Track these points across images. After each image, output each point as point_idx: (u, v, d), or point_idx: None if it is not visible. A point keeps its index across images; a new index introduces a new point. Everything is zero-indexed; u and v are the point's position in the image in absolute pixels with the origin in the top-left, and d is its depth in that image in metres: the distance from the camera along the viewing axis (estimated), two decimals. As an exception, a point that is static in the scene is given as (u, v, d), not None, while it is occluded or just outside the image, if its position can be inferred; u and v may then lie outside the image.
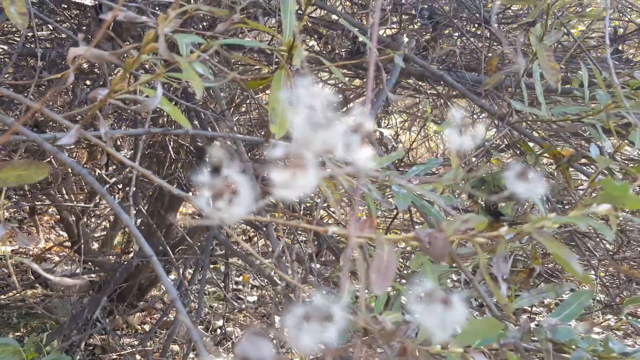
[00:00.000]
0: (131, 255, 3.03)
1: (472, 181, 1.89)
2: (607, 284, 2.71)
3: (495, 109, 2.01)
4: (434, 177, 2.05)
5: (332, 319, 0.70)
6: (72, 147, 2.74)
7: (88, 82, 2.53)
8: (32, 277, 3.25)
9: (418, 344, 1.34)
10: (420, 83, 2.77)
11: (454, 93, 2.62)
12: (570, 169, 1.89)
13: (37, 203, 3.08)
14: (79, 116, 2.29)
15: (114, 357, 2.96)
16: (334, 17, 2.32)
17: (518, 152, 2.22)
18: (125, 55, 1.19)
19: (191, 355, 2.82)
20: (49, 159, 2.40)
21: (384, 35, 2.17)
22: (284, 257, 1.76)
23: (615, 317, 3.34)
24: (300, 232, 2.76)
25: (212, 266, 3.31)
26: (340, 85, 2.65)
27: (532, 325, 1.55)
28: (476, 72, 2.30)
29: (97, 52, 1.20)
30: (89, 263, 3.26)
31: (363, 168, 0.77)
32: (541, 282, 2.55)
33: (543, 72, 1.69)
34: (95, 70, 2.54)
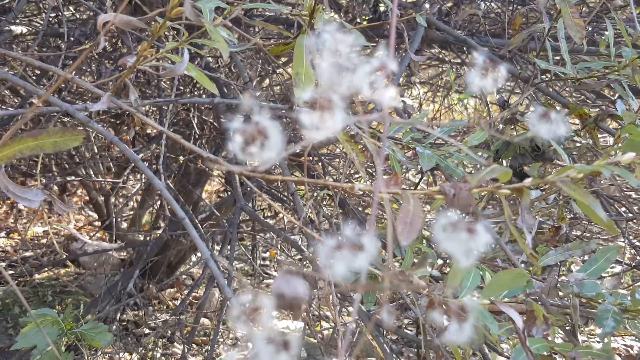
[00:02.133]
0: (161, 231, 3.08)
1: (497, 144, 1.89)
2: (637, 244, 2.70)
3: (519, 70, 2.00)
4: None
5: (363, 248, 0.73)
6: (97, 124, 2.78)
7: (112, 62, 2.57)
8: (64, 254, 3.32)
9: (444, 296, 1.36)
10: (443, 52, 2.77)
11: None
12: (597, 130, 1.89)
13: (67, 180, 3.14)
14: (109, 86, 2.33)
15: (147, 331, 3.02)
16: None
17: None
18: (152, 22, 1.21)
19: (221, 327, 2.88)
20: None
21: (406, 0, 2.17)
22: (312, 224, 1.79)
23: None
24: (325, 204, 2.78)
25: (238, 242, 3.35)
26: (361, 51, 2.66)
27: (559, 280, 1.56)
28: (500, 37, 2.29)
29: (125, 18, 1.23)
30: (119, 241, 3.32)
31: (387, 114, 0.79)
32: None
33: (568, 29, 1.68)
34: (118, 49, 2.57)
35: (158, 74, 1.29)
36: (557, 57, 1.89)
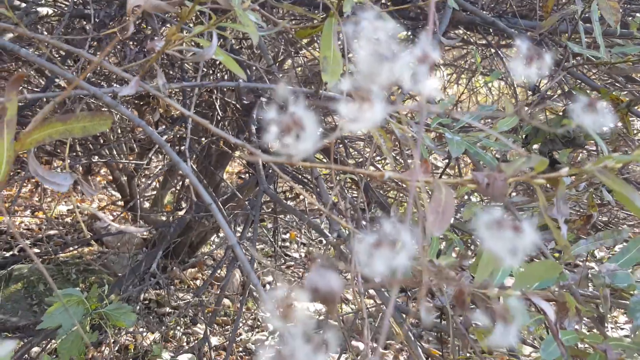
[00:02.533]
0: (183, 212, 3.09)
1: (527, 129, 1.86)
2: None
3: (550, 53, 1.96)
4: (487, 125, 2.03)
5: (402, 245, 0.71)
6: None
7: (136, 44, 2.56)
8: (88, 234, 3.34)
9: (476, 287, 1.34)
10: (468, 33, 2.72)
11: (504, 42, 2.57)
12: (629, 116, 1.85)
13: (92, 161, 3.15)
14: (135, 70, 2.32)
15: (169, 310, 3.04)
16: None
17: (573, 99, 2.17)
18: (180, 5, 1.19)
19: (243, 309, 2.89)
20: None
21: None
22: (335, 208, 1.77)
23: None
24: (347, 188, 2.77)
25: (260, 224, 3.35)
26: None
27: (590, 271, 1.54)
28: (527, 18, 2.24)
29: (154, 2, 1.21)
30: (142, 221, 3.33)
31: (427, 104, 0.77)
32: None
33: (602, 12, 1.64)
34: (142, 30, 2.56)
35: (184, 58, 1.28)
36: (589, 40, 1.85)
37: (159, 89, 1.40)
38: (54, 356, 2.06)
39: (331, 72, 1.42)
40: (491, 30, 2.43)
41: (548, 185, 1.31)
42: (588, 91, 1.97)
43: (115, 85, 1.43)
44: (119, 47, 2.58)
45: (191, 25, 2.18)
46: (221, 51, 1.31)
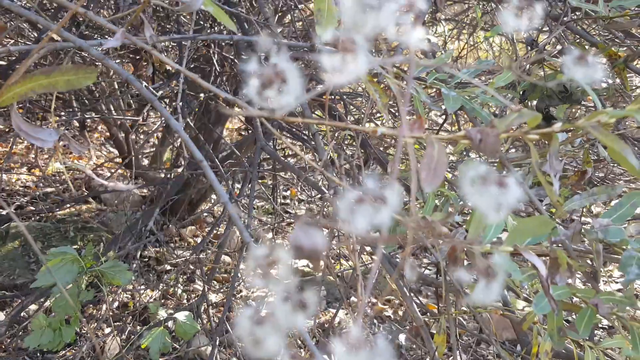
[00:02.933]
0: (181, 169, 3.08)
1: (524, 85, 1.84)
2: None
3: (549, 9, 1.92)
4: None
5: (385, 202, 0.70)
6: (116, 60, 2.74)
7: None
8: (86, 191, 3.34)
9: (467, 244, 1.34)
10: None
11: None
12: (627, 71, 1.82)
13: (87, 117, 3.13)
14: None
15: (168, 267, 3.06)
16: None
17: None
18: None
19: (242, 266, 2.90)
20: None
21: None
22: (332, 165, 1.76)
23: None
24: (347, 144, 2.75)
25: (259, 181, 3.34)
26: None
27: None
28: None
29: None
30: (140, 178, 3.32)
31: (421, 57, 0.74)
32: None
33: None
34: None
35: (175, 9, 1.25)
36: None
37: (147, 42, 1.37)
38: (51, 314, 2.07)
39: (324, 25, 1.39)
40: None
41: (544, 140, 1.30)
42: (587, 46, 1.93)
43: (105, 38, 1.41)
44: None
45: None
46: (211, 2, 1.28)
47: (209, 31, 2.35)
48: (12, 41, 2.71)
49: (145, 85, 2.30)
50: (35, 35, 2.87)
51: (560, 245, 1.30)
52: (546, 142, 1.32)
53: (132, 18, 1.20)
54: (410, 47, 0.73)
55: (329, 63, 0.73)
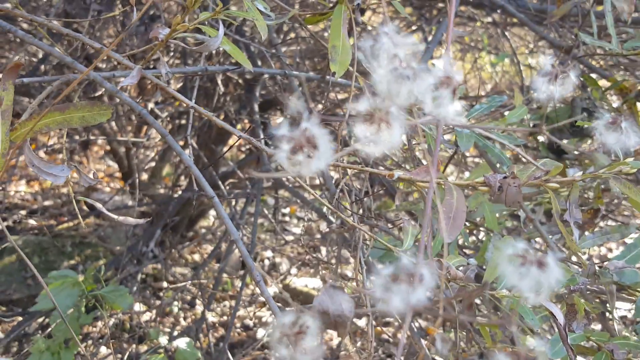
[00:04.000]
0: (182, 188, 3.05)
1: (534, 117, 1.83)
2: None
3: (559, 39, 1.92)
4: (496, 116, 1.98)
5: (421, 279, 0.68)
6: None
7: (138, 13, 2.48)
8: (86, 208, 3.31)
9: (483, 288, 1.32)
10: (473, 11, 2.67)
11: (511, 21, 2.51)
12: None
13: (91, 138, 3.10)
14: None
15: (166, 285, 3.03)
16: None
17: (581, 86, 2.14)
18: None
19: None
20: (100, 92, 2.40)
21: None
22: (339, 195, 1.74)
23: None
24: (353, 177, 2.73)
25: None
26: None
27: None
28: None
29: (158, -9, 1.16)
30: (142, 195, 3.29)
31: (450, 121, 0.73)
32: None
33: (614, 2, 1.60)
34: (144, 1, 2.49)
35: (194, 49, 1.23)
36: (599, 25, 1.80)
37: (160, 77, 1.36)
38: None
39: (340, 63, 1.37)
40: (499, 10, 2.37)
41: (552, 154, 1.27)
42: (596, 78, 1.93)
43: (117, 71, 1.39)
44: (120, 17, 2.51)
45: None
46: (228, 41, 1.26)
47: (217, 61, 2.32)
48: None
49: (150, 108, 2.28)
50: (33, 59, 2.84)
51: (578, 292, 1.29)
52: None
53: (148, 56, 1.18)
54: (448, 119, 0.72)
55: (363, 133, 0.71)
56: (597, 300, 1.52)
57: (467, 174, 2.80)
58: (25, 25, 2.15)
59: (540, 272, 0.66)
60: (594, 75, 1.91)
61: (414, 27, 2.50)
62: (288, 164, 0.74)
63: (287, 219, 3.86)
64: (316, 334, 0.74)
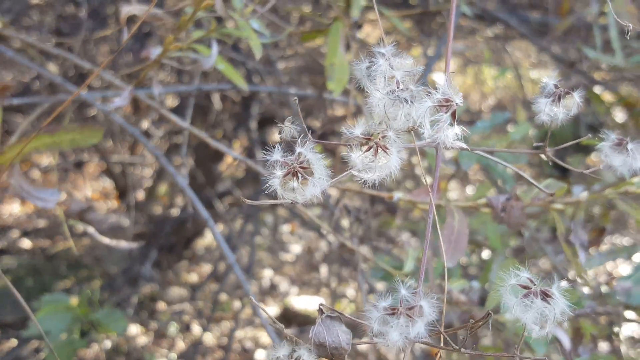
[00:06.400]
0: (179, 208, 3.01)
1: (538, 133, 1.80)
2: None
3: (561, 53, 1.89)
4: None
5: (420, 312, 0.64)
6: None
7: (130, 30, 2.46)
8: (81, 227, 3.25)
9: (486, 318, 1.28)
10: (473, 26, 2.64)
11: (513, 35, 2.49)
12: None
13: (85, 158, 3.07)
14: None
15: (163, 307, 2.97)
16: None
17: (585, 101, 2.10)
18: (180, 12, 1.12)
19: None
20: (94, 112, 2.37)
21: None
22: (337, 214, 1.70)
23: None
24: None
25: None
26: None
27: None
28: (540, 10, 2.16)
29: (151, 12, 1.13)
30: (137, 213, 3.24)
31: (449, 144, 0.69)
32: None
33: (617, 17, 1.57)
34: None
35: (187, 68, 1.20)
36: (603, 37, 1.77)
37: (153, 98, 1.32)
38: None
39: (337, 80, 1.34)
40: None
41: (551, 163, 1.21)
42: (600, 93, 1.90)
43: (109, 92, 1.35)
44: (114, 36, 2.49)
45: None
46: (222, 60, 1.23)
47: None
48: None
49: (145, 129, 2.25)
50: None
51: (584, 316, 1.25)
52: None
53: (141, 77, 1.15)
54: (447, 144, 0.68)
55: (359, 159, 0.68)
56: (604, 322, 1.48)
57: (469, 188, 2.76)
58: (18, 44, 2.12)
59: (545, 304, 0.63)
60: (597, 90, 1.88)
61: (413, 42, 2.48)
62: (282, 190, 0.71)
63: (285, 237, 3.81)
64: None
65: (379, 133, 0.69)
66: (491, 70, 2.95)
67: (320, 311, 0.76)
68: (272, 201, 0.71)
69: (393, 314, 0.65)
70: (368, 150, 0.68)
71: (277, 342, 0.91)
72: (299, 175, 0.68)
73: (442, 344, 0.72)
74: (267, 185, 0.69)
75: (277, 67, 1.80)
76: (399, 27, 1.48)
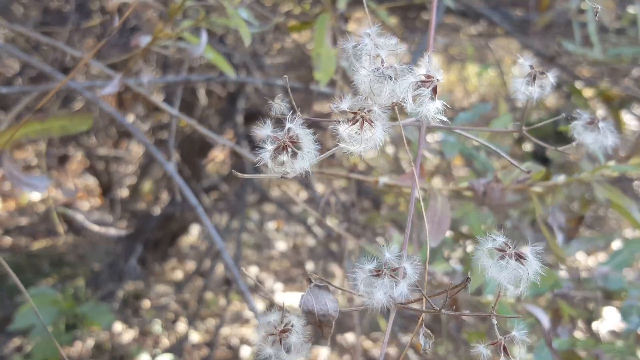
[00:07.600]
0: (165, 204, 3.02)
1: (518, 126, 1.83)
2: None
3: (543, 49, 1.93)
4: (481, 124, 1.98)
5: (404, 274, 0.68)
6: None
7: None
8: (65, 224, 3.23)
9: (469, 294, 1.31)
10: (457, 24, 2.68)
11: (496, 32, 2.53)
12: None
13: (69, 153, 3.06)
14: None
15: (148, 304, 2.97)
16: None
17: (565, 95, 2.15)
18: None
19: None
20: (78, 105, 2.37)
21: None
22: (324, 205, 1.73)
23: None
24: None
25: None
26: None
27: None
28: (522, 6, 2.20)
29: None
30: (120, 209, 3.23)
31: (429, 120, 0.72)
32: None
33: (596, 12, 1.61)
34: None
35: (172, 56, 1.22)
36: (583, 34, 1.81)
37: (142, 85, 1.34)
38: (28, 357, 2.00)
39: (324, 71, 1.37)
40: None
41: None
42: (579, 87, 1.94)
43: (98, 81, 1.37)
44: (99, 30, 2.50)
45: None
46: (211, 49, 1.26)
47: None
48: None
49: (132, 121, 2.26)
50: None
51: (562, 297, 1.28)
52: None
53: (130, 65, 1.17)
54: (429, 117, 0.71)
55: (346, 132, 0.71)
56: (583, 306, 1.52)
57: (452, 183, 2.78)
58: (3, 35, 2.12)
59: (519, 265, 0.67)
60: (578, 85, 1.92)
61: (398, 39, 2.49)
62: (272, 164, 0.74)
63: (271, 234, 3.82)
64: (301, 332, 0.74)
65: (364, 108, 0.72)
66: (475, 67, 2.99)
67: (309, 280, 0.79)
68: (262, 175, 0.74)
69: (378, 275, 0.68)
70: (354, 123, 0.71)
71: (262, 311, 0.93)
72: (289, 149, 0.71)
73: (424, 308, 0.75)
74: (258, 159, 0.71)
75: (263, 61, 1.83)
76: (385, 20, 1.51)
